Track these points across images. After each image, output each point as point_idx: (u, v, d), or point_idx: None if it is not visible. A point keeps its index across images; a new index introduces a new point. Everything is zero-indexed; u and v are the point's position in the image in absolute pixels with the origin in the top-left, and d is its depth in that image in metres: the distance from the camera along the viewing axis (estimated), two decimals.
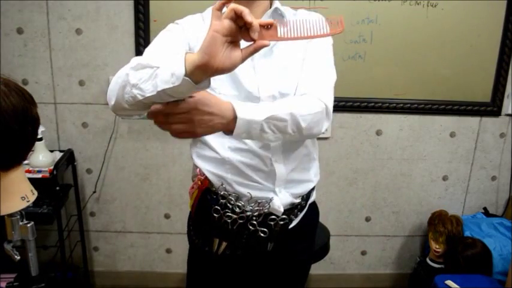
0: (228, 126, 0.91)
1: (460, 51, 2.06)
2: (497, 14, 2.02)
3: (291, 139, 1.06)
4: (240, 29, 0.78)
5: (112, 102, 0.95)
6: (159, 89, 0.83)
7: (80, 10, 1.97)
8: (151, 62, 0.87)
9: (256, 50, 0.80)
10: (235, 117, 0.90)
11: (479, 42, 2.05)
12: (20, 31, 1.98)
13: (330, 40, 1.14)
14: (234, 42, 0.79)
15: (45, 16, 1.97)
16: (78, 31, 2.00)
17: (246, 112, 0.91)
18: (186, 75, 0.79)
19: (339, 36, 1.98)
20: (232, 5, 0.77)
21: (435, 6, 1.99)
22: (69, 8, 1.97)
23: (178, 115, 0.86)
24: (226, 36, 0.77)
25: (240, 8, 0.75)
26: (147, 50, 1.04)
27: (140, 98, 0.87)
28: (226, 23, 0.77)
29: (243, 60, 0.81)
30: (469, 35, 2.04)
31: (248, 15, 0.75)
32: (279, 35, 0.80)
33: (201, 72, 0.79)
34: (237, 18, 0.76)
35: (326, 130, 1.08)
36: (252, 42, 0.80)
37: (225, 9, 0.78)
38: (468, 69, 2.09)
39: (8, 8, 1.94)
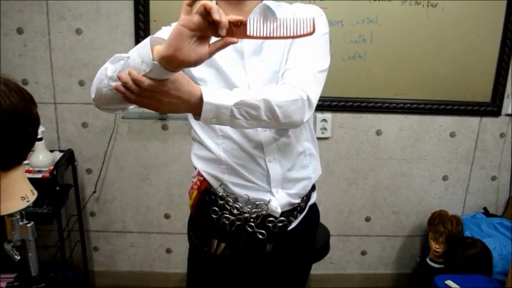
0: (196, 110, 0.90)
1: (460, 51, 2.06)
2: (497, 14, 2.02)
3: (270, 126, 1.04)
4: (210, 25, 0.78)
5: (93, 95, 1.01)
6: None
7: (80, 10, 1.97)
8: (124, 54, 0.90)
9: (223, 46, 0.80)
10: (202, 102, 0.89)
11: (479, 42, 2.05)
12: (20, 31, 1.98)
13: (323, 29, 1.08)
14: (203, 37, 0.79)
15: (45, 16, 1.97)
16: (78, 31, 2.00)
17: (214, 97, 0.89)
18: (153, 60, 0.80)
19: (339, 36, 2.00)
20: (203, 1, 0.77)
21: (435, 6, 1.99)
22: (69, 8, 1.97)
23: (148, 92, 0.84)
24: (194, 31, 0.77)
25: (209, 4, 0.75)
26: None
27: None
28: (195, 18, 0.77)
29: (211, 55, 0.81)
30: (469, 35, 2.04)
31: (216, 13, 0.75)
32: (248, 33, 0.79)
33: (167, 64, 0.79)
34: (207, 14, 0.76)
35: (308, 120, 1.04)
36: (220, 38, 0.80)
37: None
38: (468, 69, 2.09)
39: (8, 8, 1.94)
